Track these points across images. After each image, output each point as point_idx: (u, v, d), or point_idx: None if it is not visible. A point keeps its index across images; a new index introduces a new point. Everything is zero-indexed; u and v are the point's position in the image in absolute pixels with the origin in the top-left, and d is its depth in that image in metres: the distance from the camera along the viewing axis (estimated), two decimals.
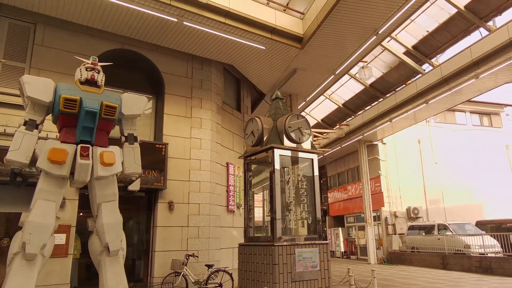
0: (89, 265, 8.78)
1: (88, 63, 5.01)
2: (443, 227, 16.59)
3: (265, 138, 5.83)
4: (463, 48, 11.72)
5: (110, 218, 4.75)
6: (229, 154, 11.09)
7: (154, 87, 10.06)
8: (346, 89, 17.66)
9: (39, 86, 4.64)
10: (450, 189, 21.98)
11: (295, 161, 5.98)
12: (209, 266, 8.59)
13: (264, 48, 9.42)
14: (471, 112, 24.89)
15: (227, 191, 10.69)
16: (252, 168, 6.39)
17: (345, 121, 19.74)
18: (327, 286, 5.60)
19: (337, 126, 19.91)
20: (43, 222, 4.38)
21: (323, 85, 12.40)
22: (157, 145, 9.03)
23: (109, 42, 9.13)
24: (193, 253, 8.79)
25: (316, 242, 5.72)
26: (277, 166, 5.60)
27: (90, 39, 8.89)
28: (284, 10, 9.76)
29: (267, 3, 9.42)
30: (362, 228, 22.22)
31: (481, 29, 11.93)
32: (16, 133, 4.51)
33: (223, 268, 8.67)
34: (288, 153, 5.85)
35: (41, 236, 4.38)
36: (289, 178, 5.93)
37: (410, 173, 21.46)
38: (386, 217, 20.44)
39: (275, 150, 5.65)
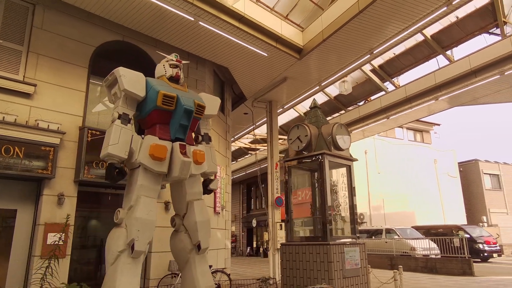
0: (82, 266, 8.26)
1: (172, 60, 4.91)
2: (390, 231, 18.28)
3: (313, 144, 6.18)
4: (425, 72, 13.28)
5: (202, 216, 4.74)
6: (216, 155, 11.12)
7: None
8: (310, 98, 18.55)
9: (134, 80, 4.47)
10: (389, 197, 24.20)
11: (333, 166, 6.40)
12: None
13: (266, 55, 9.72)
14: (407, 128, 27.67)
15: (214, 192, 10.72)
16: (292, 172, 6.69)
17: None
18: (366, 282, 6.18)
19: None
20: (149, 219, 4.27)
21: (306, 94, 13.05)
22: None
23: (110, 32, 8.71)
24: None
25: (357, 242, 6.28)
26: (327, 171, 5.98)
27: (91, 27, 8.39)
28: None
29: (271, 11, 9.75)
30: (311, 232, 23.41)
31: (440, 56, 13.61)
32: (114, 126, 4.28)
33: (221, 269, 8.74)
34: (333, 159, 6.27)
35: (148, 233, 4.28)
36: (336, 182, 6.34)
37: (357, 181, 23.10)
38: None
39: (326, 156, 6.04)
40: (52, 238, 7.00)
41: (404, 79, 15.96)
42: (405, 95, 13.87)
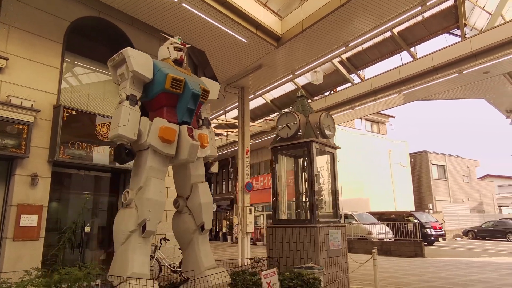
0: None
1: (177, 43, 4.83)
2: (348, 217, 19.27)
3: (301, 132, 6.41)
4: (388, 67, 13.99)
5: (206, 198, 4.82)
6: None
7: None
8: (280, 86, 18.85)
9: (142, 61, 4.39)
10: (347, 185, 25.31)
11: (318, 153, 6.67)
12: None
13: (246, 41, 9.77)
14: (366, 119, 28.94)
15: None
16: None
17: (269, 116, 21.05)
18: (346, 262, 6.62)
19: (262, 120, 21.10)
20: (159, 200, 4.31)
21: (278, 83, 13.27)
22: None
23: (86, 8, 8.32)
24: (163, 237, 8.76)
25: (339, 225, 6.67)
26: (315, 157, 6.25)
27: (66, 0, 7.98)
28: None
29: None
30: (270, 217, 24.03)
31: (404, 53, 14.37)
32: (123, 108, 4.18)
33: None
34: (320, 146, 6.55)
35: (158, 214, 4.33)
36: (321, 168, 6.62)
37: (319, 169, 24.05)
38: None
39: (313, 143, 6.30)
40: (25, 220, 6.74)
41: (369, 72, 16.70)
42: (370, 87, 14.53)
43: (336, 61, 15.50)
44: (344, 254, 6.51)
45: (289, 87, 18.70)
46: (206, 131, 5.07)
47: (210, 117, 20.30)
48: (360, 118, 26.86)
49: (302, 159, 7.07)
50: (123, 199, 4.44)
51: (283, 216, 6.94)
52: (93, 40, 8.95)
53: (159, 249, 8.42)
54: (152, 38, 9.55)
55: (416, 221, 18.14)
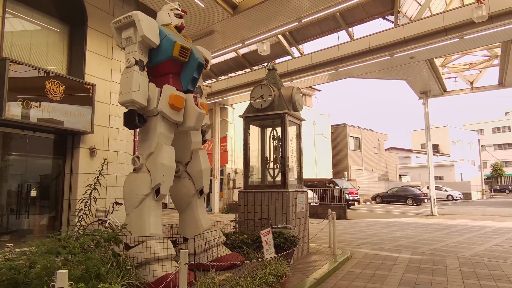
0: None
1: (177, 9, 4.65)
2: None
3: (275, 104, 6.71)
4: (327, 44, 14.84)
5: (206, 163, 4.96)
6: None
7: (72, 16, 8.71)
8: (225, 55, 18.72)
9: (150, 26, 4.21)
10: None
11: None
12: None
13: (203, 6, 9.60)
14: None
15: (134, 140, 10.48)
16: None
17: (205, 83, 20.88)
18: (307, 223, 7.35)
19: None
20: (171, 166, 4.41)
21: (224, 50, 13.25)
22: (85, 85, 8.13)
23: None
24: (116, 201, 8.63)
25: (303, 190, 7.27)
26: (287, 128, 6.66)
27: None
28: None
29: None
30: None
31: (342, 32, 15.31)
32: (134, 73, 3.98)
33: None
34: (291, 118, 6.96)
35: (170, 178, 4.40)
36: (291, 138, 7.03)
37: (253, 139, 24.77)
38: (229, 173, 23.23)
39: (287, 115, 6.67)
40: None
41: (307, 47, 17.45)
42: (310, 62, 15.27)
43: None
44: (307, 216, 7.25)
45: (229, 55, 18.70)
46: (204, 100, 5.16)
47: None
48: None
49: (271, 129, 7.46)
50: (134, 163, 4.48)
51: (254, 181, 7.37)
52: None
53: (111, 213, 8.30)
54: None
55: (337, 187, 20.08)
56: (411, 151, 53.32)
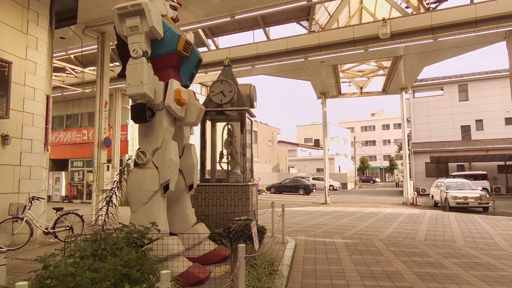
0: None
1: (173, 1, 4.28)
2: None
3: (235, 100, 6.69)
4: (243, 41, 15.25)
5: (196, 158, 4.75)
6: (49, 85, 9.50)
7: None
8: None
9: (157, 18, 3.90)
10: None
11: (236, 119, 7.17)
12: (58, 209, 7.83)
13: None
14: (200, 83, 30.04)
15: (46, 127, 9.27)
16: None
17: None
18: (257, 213, 7.57)
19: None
20: (177, 161, 4.26)
21: None
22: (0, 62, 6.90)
23: None
24: (33, 196, 7.67)
25: (254, 183, 7.46)
26: (247, 124, 6.74)
27: None
28: None
29: None
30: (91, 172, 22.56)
31: (259, 31, 15.93)
32: (144, 65, 3.53)
33: (74, 211, 8.09)
34: (248, 115, 7.05)
35: (177, 174, 4.29)
36: (246, 133, 7.04)
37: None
38: (128, 164, 21.98)
39: (247, 112, 6.73)
40: None
41: (222, 41, 17.55)
42: (228, 56, 15.47)
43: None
44: (257, 208, 7.59)
45: None
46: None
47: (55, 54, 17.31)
48: (201, 83, 28.17)
49: (226, 123, 7.46)
50: (139, 159, 4.27)
51: (211, 175, 7.30)
52: None
53: (29, 209, 7.31)
54: None
55: None
56: (297, 144, 58.03)
